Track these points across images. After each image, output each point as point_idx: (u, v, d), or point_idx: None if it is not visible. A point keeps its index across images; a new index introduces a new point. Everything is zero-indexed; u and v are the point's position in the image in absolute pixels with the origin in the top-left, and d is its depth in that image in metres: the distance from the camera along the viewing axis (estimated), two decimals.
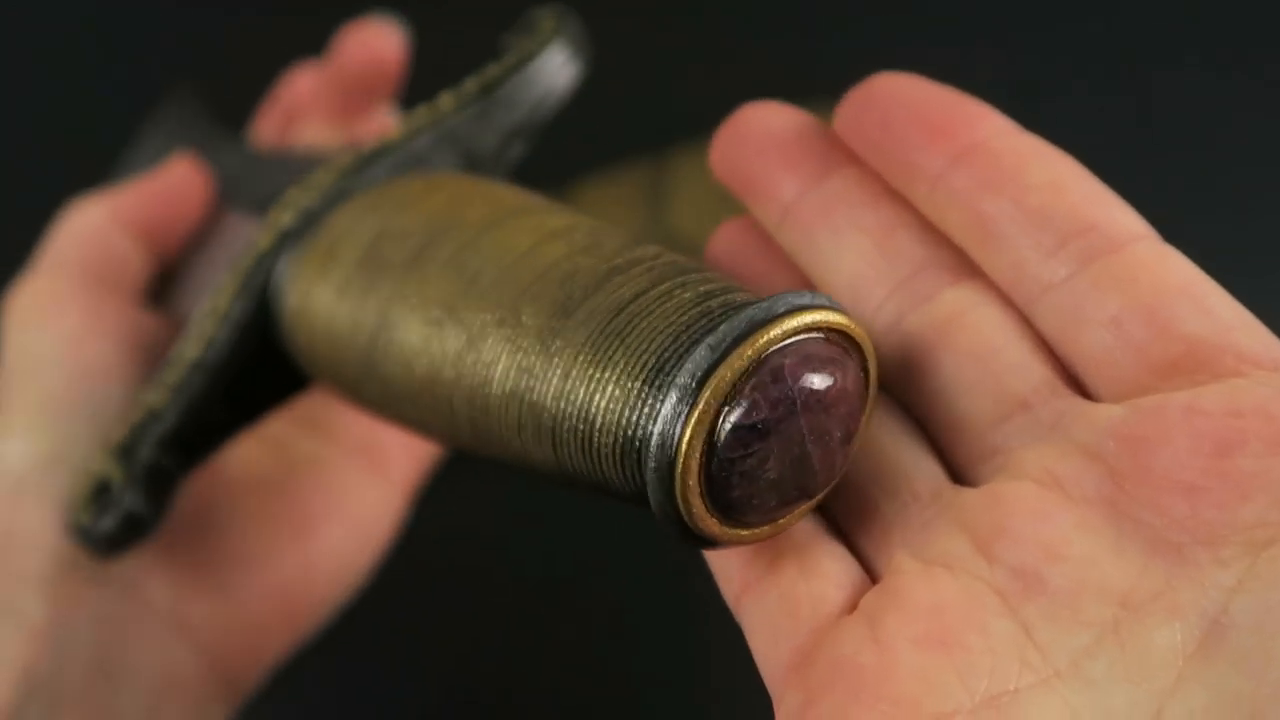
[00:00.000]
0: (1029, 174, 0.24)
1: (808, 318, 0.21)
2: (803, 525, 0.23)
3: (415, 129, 0.32)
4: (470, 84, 0.33)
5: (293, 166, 0.35)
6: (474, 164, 0.33)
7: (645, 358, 0.22)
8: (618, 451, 0.22)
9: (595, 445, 0.22)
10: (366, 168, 0.31)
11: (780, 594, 0.22)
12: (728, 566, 0.23)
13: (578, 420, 0.23)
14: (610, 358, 0.22)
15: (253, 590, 0.34)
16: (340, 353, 0.28)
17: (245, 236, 0.34)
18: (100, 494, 0.30)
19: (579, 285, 0.24)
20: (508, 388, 0.24)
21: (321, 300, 0.29)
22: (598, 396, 0.22)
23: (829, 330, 0.22)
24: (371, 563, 0.37)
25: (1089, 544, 0.20)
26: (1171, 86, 0.54)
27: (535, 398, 0.23)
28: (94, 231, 0.35)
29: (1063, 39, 0.55)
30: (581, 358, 0.23)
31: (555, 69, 0.34)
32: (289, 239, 0.30)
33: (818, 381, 0.21)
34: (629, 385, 0.22)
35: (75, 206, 0.36)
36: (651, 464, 0.21)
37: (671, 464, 0.21)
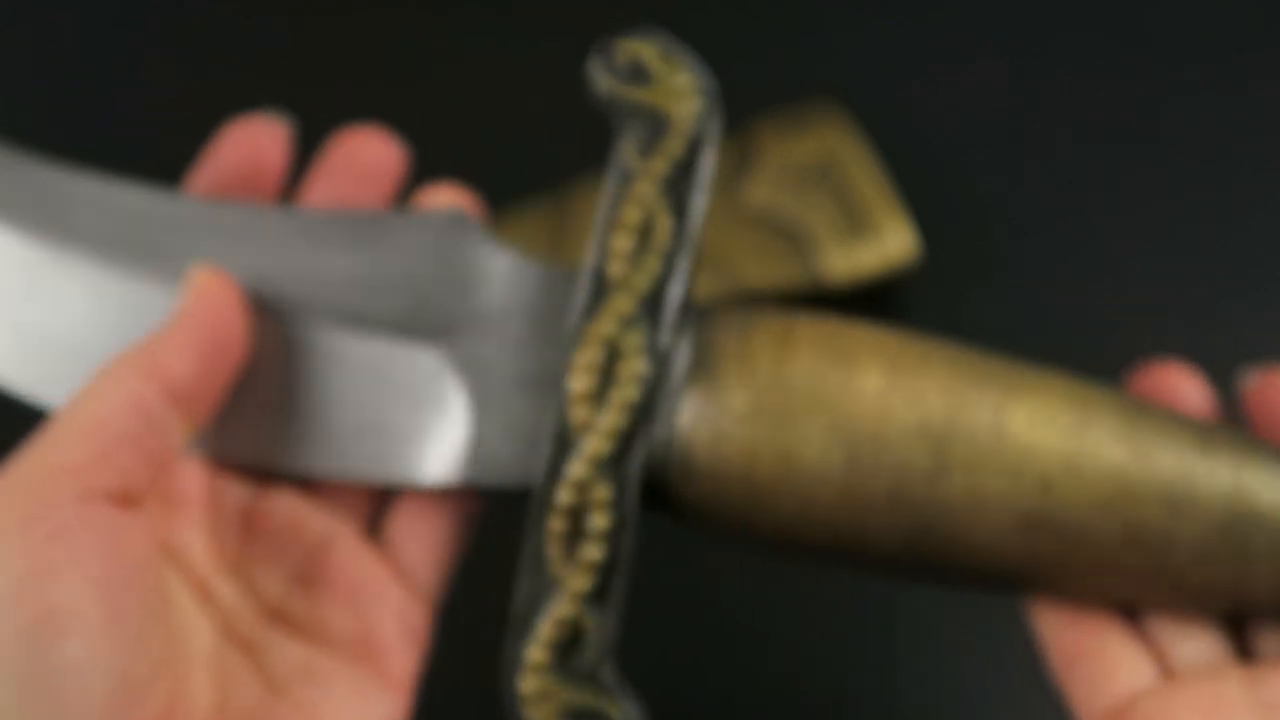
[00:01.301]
0: None
1: None
2: (1114, 622, 0.31)
3: (669, 251, 0.30)
4: (658, 165, 0.31)
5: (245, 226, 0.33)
6: None
7: None
8: None
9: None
10: (658, 309, 0.30)
11: (1104, 667, 0.30)
12: (1060, 640, 0.31)
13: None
14: None
15: None
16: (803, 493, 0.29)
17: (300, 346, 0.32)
18: None
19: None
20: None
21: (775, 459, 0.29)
22: None
23: None
24: None
25: None
26: (1173, 88, 0.54)
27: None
28: (132, 408, 0.29)
29: (1062, 40, 0.55)
30: None
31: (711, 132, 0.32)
32: (644, 415, 0.29)
33: None
34: None
35: (104, 372, 0.29)
36: None
37: None
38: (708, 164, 0.31)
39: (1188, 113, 0.53)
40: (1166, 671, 0.31)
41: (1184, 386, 0.33)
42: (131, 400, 0.29)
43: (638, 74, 0.31)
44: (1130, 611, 0.31)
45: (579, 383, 0.29)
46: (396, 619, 0.32)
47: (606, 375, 0.29)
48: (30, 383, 0.32)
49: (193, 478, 0.32)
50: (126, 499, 0.28)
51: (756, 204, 0.48)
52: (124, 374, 0.29)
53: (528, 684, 0.29)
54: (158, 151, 0.52)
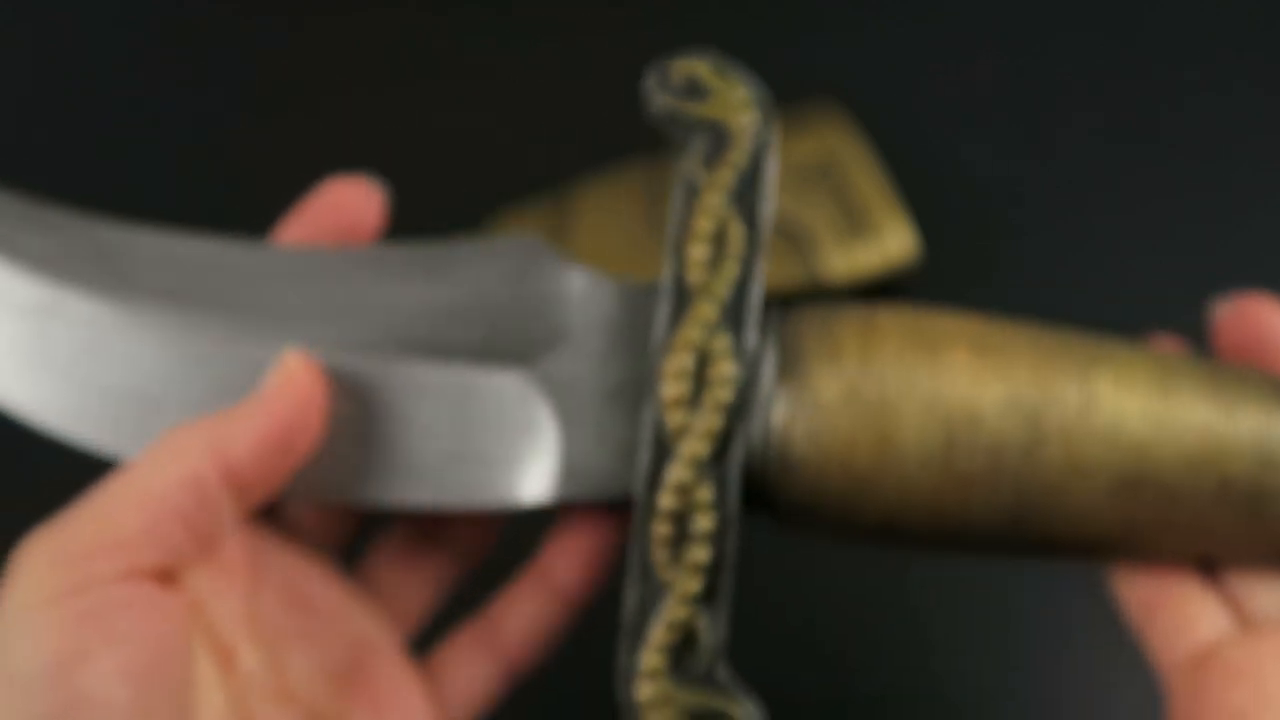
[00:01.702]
0: None
1: None
2: (1191, 576, 0.32)
3: (745, 258, 0.31)
4: (725, 175, 0.32)
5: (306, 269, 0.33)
6: None
7: None
8: None
9: None
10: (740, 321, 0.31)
11: (1183, 618, 0.31)
12: (1137, 594, 0.32)
13: None
14: None
15: None
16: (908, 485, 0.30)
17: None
18: None
19: None
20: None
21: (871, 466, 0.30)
22: None
23: None
24: None
25: None
26: (1173, 87, 0.54)
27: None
28: (188, 485, 0.28)
29: (1062, 40, 0.55)
30: None
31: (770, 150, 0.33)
32: (740, 414, 0.30)
33: None
34: None
35: (165, 444, 0.29)
36: None
37: None
38: (771, 171, 0.32)
39: (1188, 113, 0.53)
40: (1245, 622, 0.32)
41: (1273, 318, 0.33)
42: (189, 477, 0.28)
43: (694, 90, 0.32)
44: (1208, 565, 0.32)
45: (672, 389, 0.30)
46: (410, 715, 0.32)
47: (698, 380, 0.30)
48: (104, 439, 0.32)
49: (239, 541, 0.31)
50: (168, 576, 0.28)
51: None
52: (185, 449, 0.28)
53: (644, 691, 0.29)
54: (158, 152, 0.52)
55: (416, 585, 0.34)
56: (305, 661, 0.32)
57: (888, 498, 0.30)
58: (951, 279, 0.49)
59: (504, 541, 0.42)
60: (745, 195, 0.31)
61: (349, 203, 0.34)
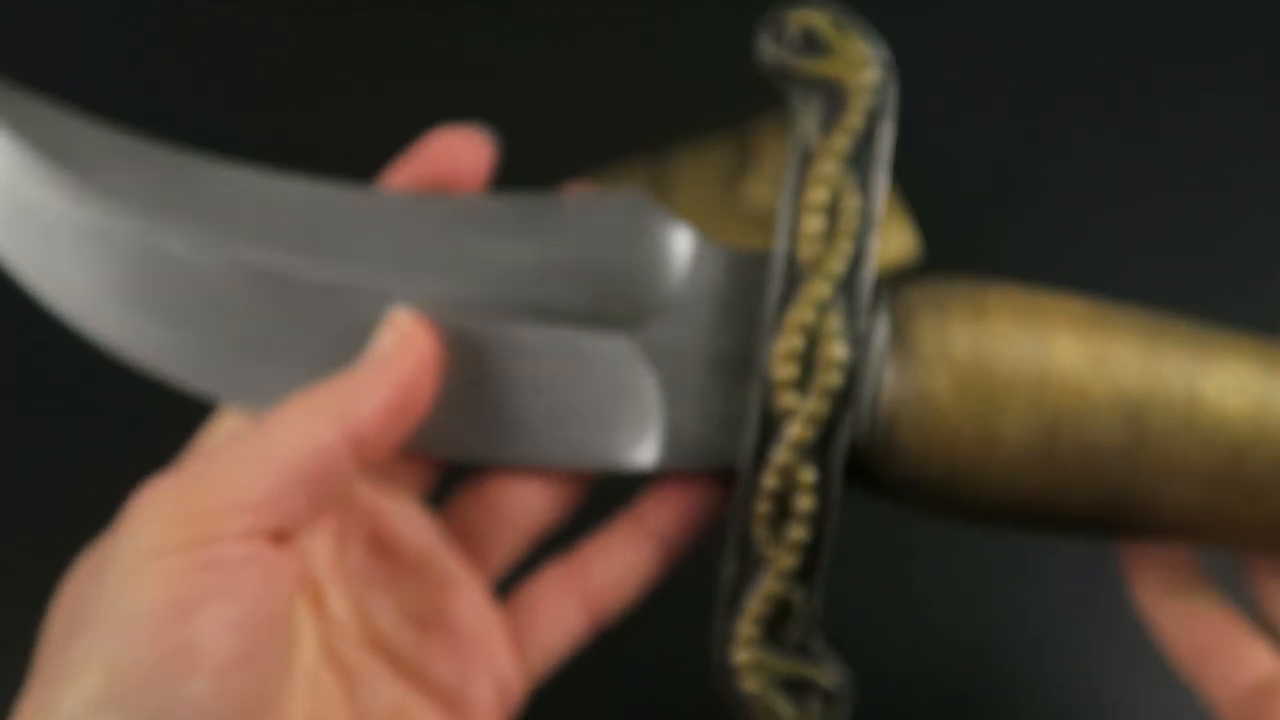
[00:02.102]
0: None
1: None
2: (1239, 621, 0.33)
3: (866, 214, 0.30)
4: (840, 141, 0.30)
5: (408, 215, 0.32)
6: None
7: None
8: None
9: None
10: (856, 288, 0.30)
11: (1237, 657, 0.33)
12: (1186, 638, 0.34)
13: None
14: None
15: None
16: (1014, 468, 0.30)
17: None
18: (806, 693, 0.30)
19: None
20: None
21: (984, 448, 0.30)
22: None
23: None
24: None
25: None
26: (1173, 88, 0.54)
27: None
28: (316, 455, 0.28)
29: (1062, 40, 0.55)
30: None
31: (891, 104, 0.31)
32: (847, 400, 0.30)
33: None
34: None
35: (296, 411, 0.29)
36: None
37: None
38: (887, 137, 0.30)
39: (1188, 113, 0.53)
40: None
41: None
42: (318, 447, 0.28)
43: (811, 45, 0.30)
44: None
45: (781, 371, 0.29)
46: (496, 688, 0.32)
47: (807, 362, 0.29)
48: (200, 381, 0.32)
49: None
50: (283, 537, 0.28)
51: (756, 204, 0.48)
52: (315, 420, 0.29)
53: (739, 656, 0.30)
54: None
55: (504, 530, 0.34)
56: (390, 606, 0.32)
57: (986, 487, 0.30)
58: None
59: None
60: (860, 163, 0.30)
61: (457, 152, 0.33)
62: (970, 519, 0.31)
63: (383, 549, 0.33)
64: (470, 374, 0.31)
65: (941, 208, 0.51)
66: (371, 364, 0.30)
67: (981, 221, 0.51)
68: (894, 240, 0.47)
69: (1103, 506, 0.30)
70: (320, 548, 0.31)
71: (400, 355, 0.30)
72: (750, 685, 0.30)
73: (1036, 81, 0.53)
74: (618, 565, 0.33)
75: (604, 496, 0.37)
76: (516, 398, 0.31)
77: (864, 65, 0.30)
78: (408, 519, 0.33)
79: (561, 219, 0.32)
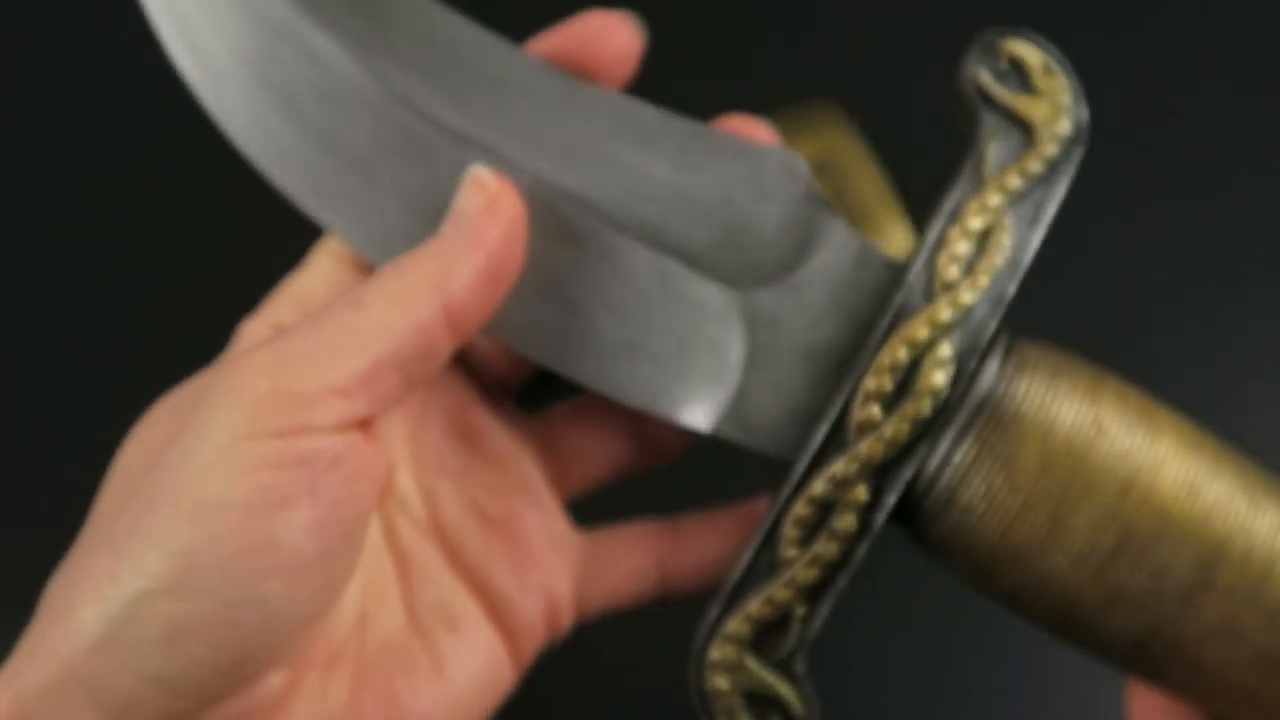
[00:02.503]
0: None
1: None
2: None
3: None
4: (1013, 180, 0.29)
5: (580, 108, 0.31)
6: None
7: None
8: None
9: None
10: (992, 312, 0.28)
11: None
12: None
13: None
14: None
15: None
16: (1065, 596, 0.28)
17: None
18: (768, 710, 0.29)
19: None
20: None
21: (1036, 554, 0.28)
22: None
23: None
24: None
25: None
26: (1173, 88, 0.54)
27: None
28: (415, 333, 0.27)
29: (1061, 40, 0.55)
30: None
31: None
32: (934, 425, 0.28)
33: None
34: None
35: (391, 281, 0.27)
36: None
37: None
38: (1059, 193, 0.29)
39: (1188, 113, 0.53)
40: None
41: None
42: (417, 324, 0.27)
43: (1017, 76, 0.29)
44: None
45: (875, 382, 0.28)
46: (547, 608, 0.31)
47: (904, 382, 0.28)
48: (301, 190, 0.30)
49: None
50: (373, 423, 0.27)
51: None
52: (414, 293, 0.27)
53: (719, 650, 0.29)
54: (157, 151, 0.52)
55: (593, 452, 0.33)
56: (459, 498, 0.31)
57: (1031, 575, 0.28)
58: None
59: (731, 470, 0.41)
60: (1024, 208, 0.29)
61: (609, 34, 0.32)
62: (1001, 601, 0.29)
63: (463, 438, 0.32)
64: (560, 268, 0.30)
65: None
66: (462, 228, 0.28)
67: None
68: (894, 240, 0.47)
69: (1139, 641, 0.28)
70: (399, 424, 0.30)
71: (491, 217, 0.28)
72: (720, 683, 0.29)
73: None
74: (710, 549, 0.32)
75: (724, 482, 0.36)
76: (596, 312, 0.30)
77: (1061, 116, 0.29)
78: (494, 414, 0.32)
79: (713, 152, 0.31)
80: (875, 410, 0.28)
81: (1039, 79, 0.29)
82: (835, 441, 0.28)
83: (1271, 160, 0.52)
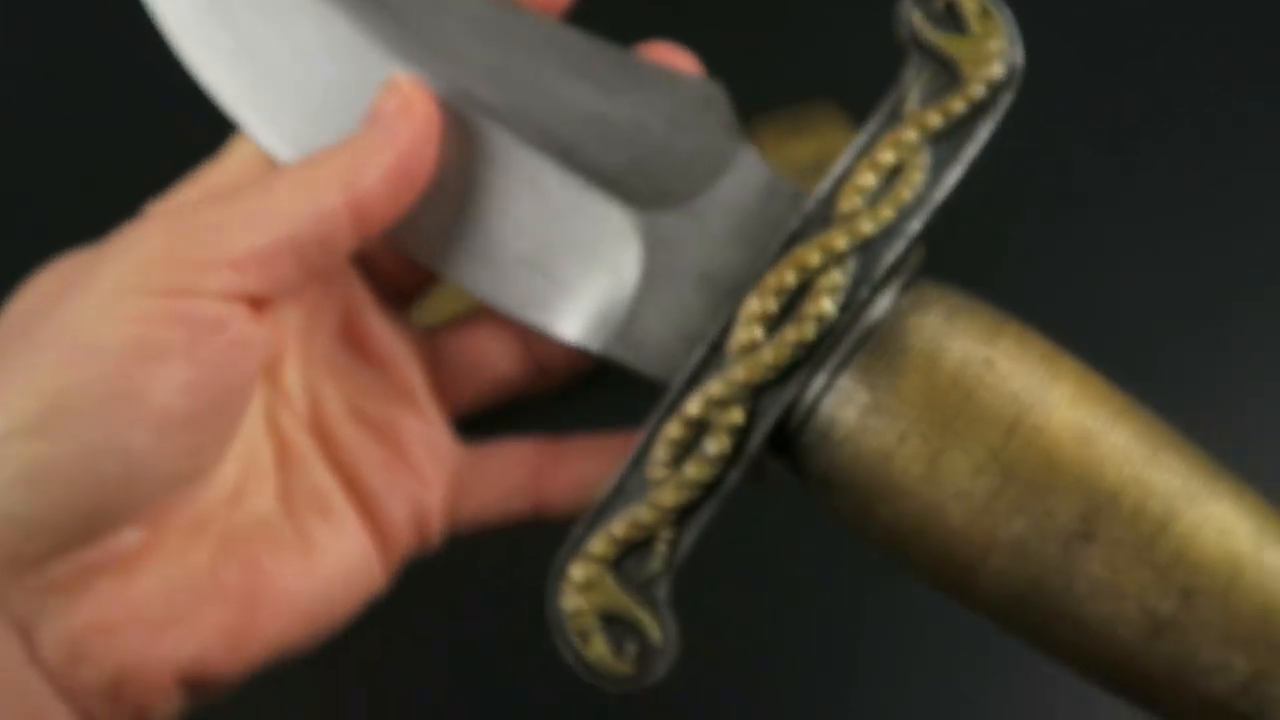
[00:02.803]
0: None
1: None
2: None
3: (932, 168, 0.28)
4: (933, 118, 0.28)
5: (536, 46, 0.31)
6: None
7: None
8: None
9: None
10: (895, 237, 0.28)
11: None
12: None
13: None
14: None
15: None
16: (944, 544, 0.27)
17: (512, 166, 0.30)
18: (621, 632, 0.28)
19: None
20: None
21: (914, 478, 0.27)
22: None
23: None
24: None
25: None
26: (1173, 88, 0.54)
27: None
28: (315, 221, 0.27)
29: (1061, 40, 0.55)
30: None
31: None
32: (827, 346, 0.27)
33: None
34: None
35: (301, 169, 0.28)
36: None
37: None
38: (981, 136, 0.29)
39: (1189, 114, 0.53)
40: None
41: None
42: (320, 212, 0.27)
43: (951, 19, 0.29)
44: None
45: (759, 302, 0.27)
46: (415, 513, 0.31)
47: (790, 305, 0.27)
48: (235, 99, 0.31)
49: None
50: (263, 303, 0.28)
51: None
52: (321, 182, 0.28)
53: (578, 570, 0.28)
54: (158, 150, 0.52)
55: (481, 366, 0.33)
56: (342, 398, 0.32)
57: (909, 515, 0.27)
58: (952, 280, 0.49)
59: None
60: (943, 148, 0.28)
61: None
62: (883, 548, 0.28)
63: (353, 340, 0.32)
64: (468, 181, 0.30)
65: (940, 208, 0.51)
66: (376, 127, 0.29)
67: (982, 222, 0.51)
68: None
69: (1019, 594, 0.27)
70: (291, 319, 0.31)
71: (404, 118, 0.29)
72: (577, 603, 0.28)
73: (1035, 81, 0.53)
74: (589, 470, 0.32)
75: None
76: (498, 225, 0.30)
77: (991, 59, 0.28)
78: (387, 320, 0.32)
79: (636, 80, 0.31)
80: (758, 332, 0.27)
81: (974, 22, 0.29)
82: (715, 362, 0.28)
83: (1272, 161, 0.52)
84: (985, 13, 0.29)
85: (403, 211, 0.29)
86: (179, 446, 0.26)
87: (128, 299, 0.26)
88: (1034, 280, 0.49)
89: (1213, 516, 0.26)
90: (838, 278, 0.27)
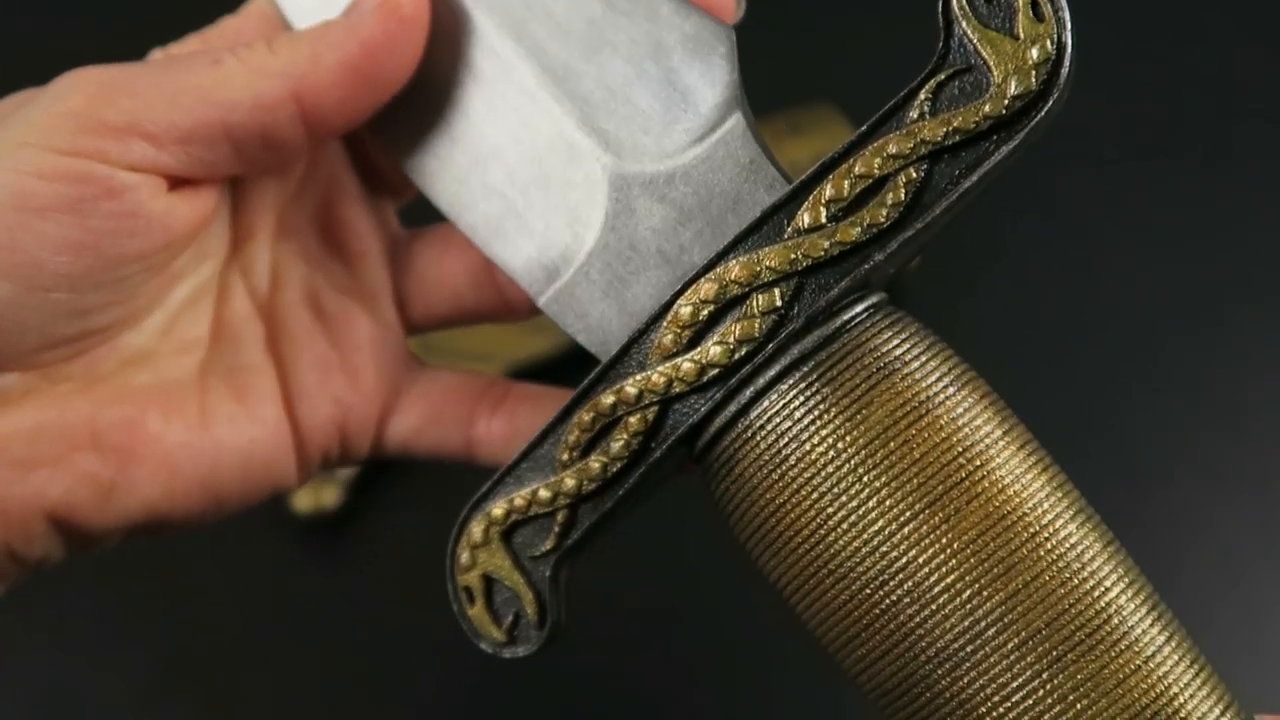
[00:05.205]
0: None
1: None
2: None
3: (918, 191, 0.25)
4: (935, 129, 0.25)
5: None
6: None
7: None
8: None
9: None
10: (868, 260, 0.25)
11: None
12: None
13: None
14: None
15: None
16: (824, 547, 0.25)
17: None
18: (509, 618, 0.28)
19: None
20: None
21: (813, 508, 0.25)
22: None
23: None
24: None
25: None
26: (1173, 89, 0.54)
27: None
28: (253, 110, 0.26)
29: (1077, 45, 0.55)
30: None
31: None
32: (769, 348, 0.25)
33: None
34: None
35: (254, 52, 0.27)
36: None
37: None
38: (995, 161, 0.24)
39: (1189, 114, 0.53)
40: None
41: None
42: (258, 101, 0.26)
43: (996, 14, 0.25)
44: None
45: (687, 310, 0.26)
46: (339, 410, 0.31)
47: (719, 314, 0.26)
48: None
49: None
50: (188, 184, 0.27)
51: None
52: (269, 68, 0.26)
53: (477, 526, 0.28)
54: None
55: (443, 281, 0.32)
56: (303, 284, 0.31)
57: (786, 568, 0.26)
58: (951, 279, 0.49)
59: None
60: (941, 166, 0.24)
61: None
62: (768, 584, 0.27)
63: (330, 228, 0.32)
64: (457, 90, 0.29)
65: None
66: (350, 18, 0.27)
67: (981, 222, 0.51)
68: None
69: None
70: (271, 195, 0.30)
71: (381, 13, 0.27)
72: (467, 559, 0.28)
73: None
74: (525, 420, 0.31)
75: None
76: (478, 147, 0.29)
77: (1028, 70, 0.24)
78: (367, 213, 0.32)
79: (648, 13, 0.28)
80: (681, 336, 0.26)
81: (1023, 23, 0.24)
82: (629, 364, 0.26)
83: (1273, 162, 0.52)
84: (1038, 12, 0.24)
85: (363, 113, 0.28)
86: (55, 303, 0.26)
87: (26, 152, 0.25)
88: (1034, 280, 0.49)
89: (1073, 526, 0.25)
90: (769, 300, 0.25)
